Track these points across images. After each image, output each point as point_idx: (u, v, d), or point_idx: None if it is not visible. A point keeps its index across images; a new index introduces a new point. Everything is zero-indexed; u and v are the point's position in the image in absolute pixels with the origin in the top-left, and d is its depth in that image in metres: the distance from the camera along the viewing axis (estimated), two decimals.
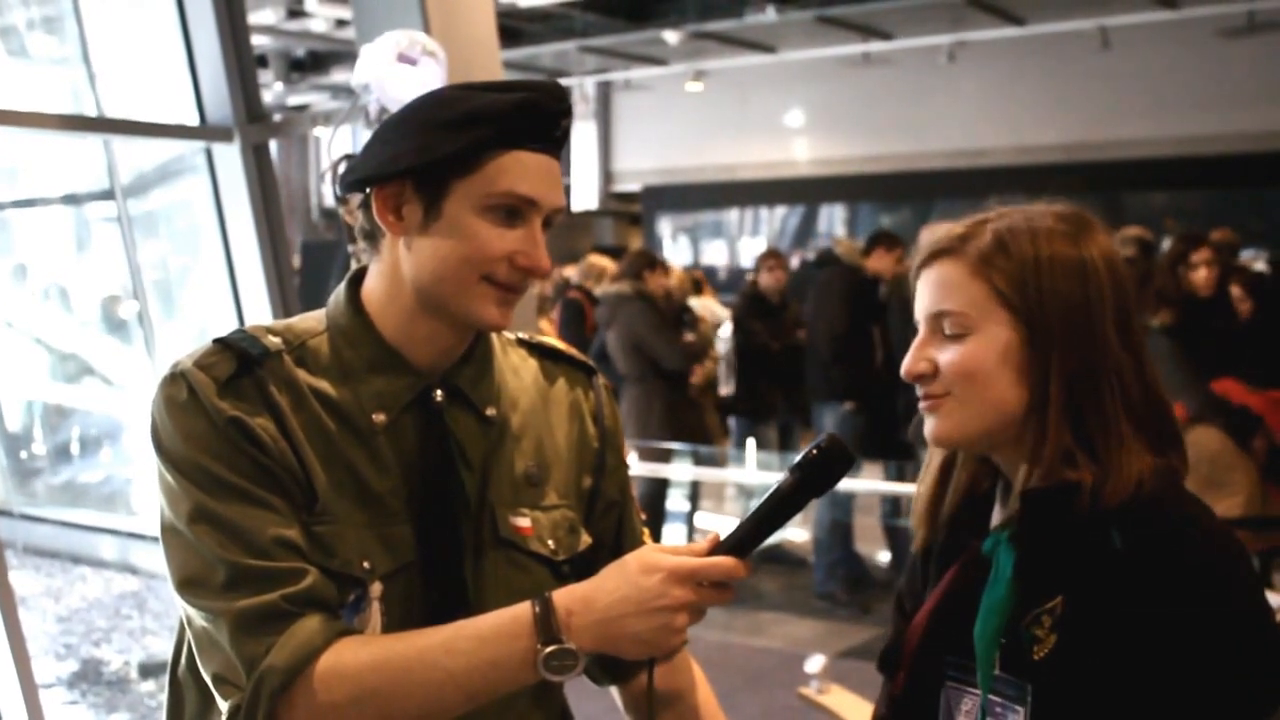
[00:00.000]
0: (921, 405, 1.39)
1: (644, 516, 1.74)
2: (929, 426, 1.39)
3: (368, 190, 1.47)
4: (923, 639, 1.44)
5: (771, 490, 1.38)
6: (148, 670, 5.23)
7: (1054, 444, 1.32)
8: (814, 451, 1.36)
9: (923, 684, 1.44)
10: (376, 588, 1.43)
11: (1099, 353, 1.33)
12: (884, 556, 7.21)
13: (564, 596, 1.35)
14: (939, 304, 1.37)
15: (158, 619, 5.83)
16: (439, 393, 1.50)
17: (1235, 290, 5.95)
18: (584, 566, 1.57)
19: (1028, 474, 1.36)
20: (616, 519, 1.67)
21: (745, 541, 1.37)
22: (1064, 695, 1.29)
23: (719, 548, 1.36)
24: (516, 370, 1.61)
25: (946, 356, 1.36)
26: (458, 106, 1.43)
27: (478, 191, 1.42)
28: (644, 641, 1.34)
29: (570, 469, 1.61)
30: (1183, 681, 1.25)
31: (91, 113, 5.29)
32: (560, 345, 1.70)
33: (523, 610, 1.35)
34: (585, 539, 1.61)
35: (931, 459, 1.49)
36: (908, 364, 1.38)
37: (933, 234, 1.42)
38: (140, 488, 6.56)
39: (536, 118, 1.43)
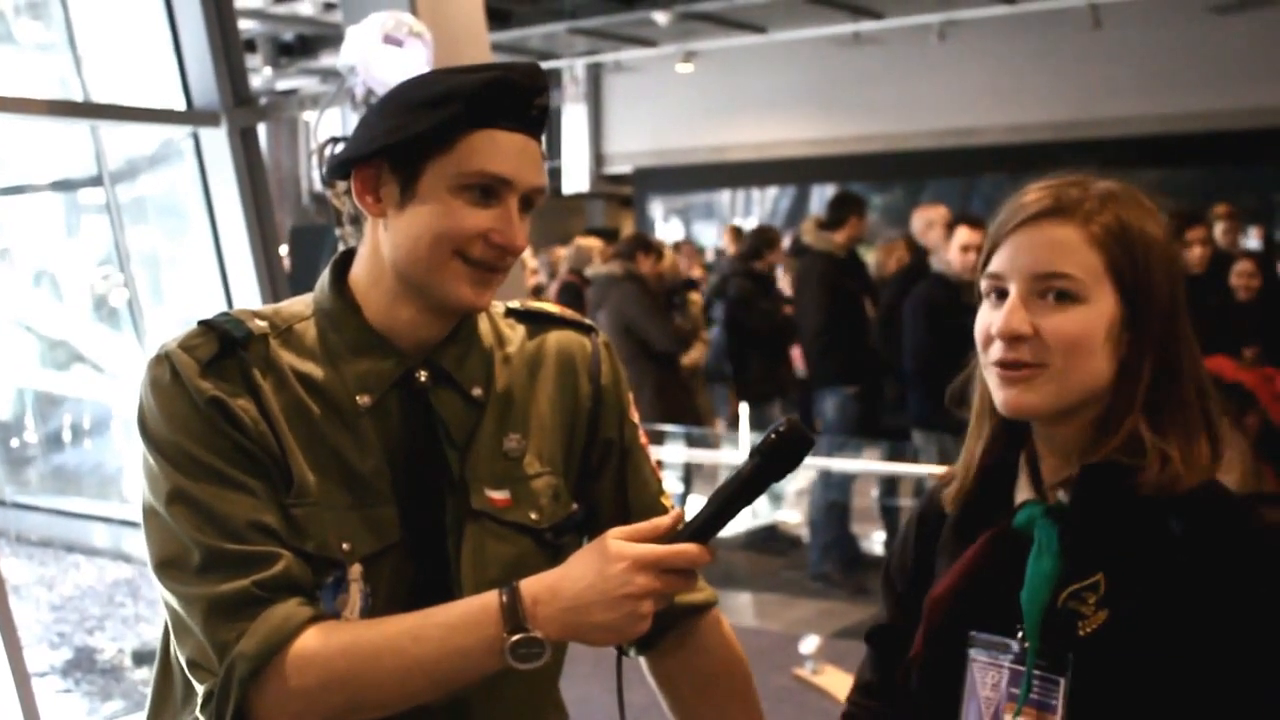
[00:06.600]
0: (1001, 373, 1.34)
1: (661, 477, 1.72)
2: (1009, 395, 1.34)
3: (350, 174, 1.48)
4: (948, 613, 1.42)
5: (732, 474, 1.38)
6: (141, 658, 5.21)
7: (1132, 425, 1.32)
8: (772, 435, 1.36)
9: (944, 657, 1.43)
10: (356, 569, 1.44)
11: (1181, 340, 1.35)
12: (879, 537, 7.21)
13: (531, 585, 1.36)
14: (1050, 264, 1.33)
15: (151, 606, 5.81)
16: (423, 374, 1.51)
17: (1246, 266, 5.93)
18: (576, 529, 1.60)
19: (1085, 450, 1.35)
20: (617, 473, 1.65)
21: (707, 526, 1.37)
22: (1112, 670, 1.30)
23: (681, 534, 1.37)
24: (504, 341, 1.60)
25: (1052, 323, 1.32)
26: (432, 87, 1.46)
27: (451, 170, 1.44)
28: (610, 629, 1.35)
29: (557, 434, 1.60)
30: (1249, 666, 1.27)
31: (78, 98, 5.26)
32: (554, 309, 1.69)
33: (490, 599, 1.36)
34: (572, 505, 1.60)
35: (983, 425, 1.45)
36: (1009, 323, 1.32)
37: (1034, 193, 1.37)
38: (132, 475, 6.53)
39: (508, 96, 1.44)
